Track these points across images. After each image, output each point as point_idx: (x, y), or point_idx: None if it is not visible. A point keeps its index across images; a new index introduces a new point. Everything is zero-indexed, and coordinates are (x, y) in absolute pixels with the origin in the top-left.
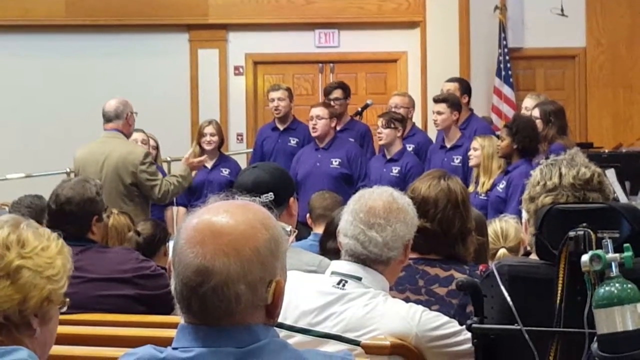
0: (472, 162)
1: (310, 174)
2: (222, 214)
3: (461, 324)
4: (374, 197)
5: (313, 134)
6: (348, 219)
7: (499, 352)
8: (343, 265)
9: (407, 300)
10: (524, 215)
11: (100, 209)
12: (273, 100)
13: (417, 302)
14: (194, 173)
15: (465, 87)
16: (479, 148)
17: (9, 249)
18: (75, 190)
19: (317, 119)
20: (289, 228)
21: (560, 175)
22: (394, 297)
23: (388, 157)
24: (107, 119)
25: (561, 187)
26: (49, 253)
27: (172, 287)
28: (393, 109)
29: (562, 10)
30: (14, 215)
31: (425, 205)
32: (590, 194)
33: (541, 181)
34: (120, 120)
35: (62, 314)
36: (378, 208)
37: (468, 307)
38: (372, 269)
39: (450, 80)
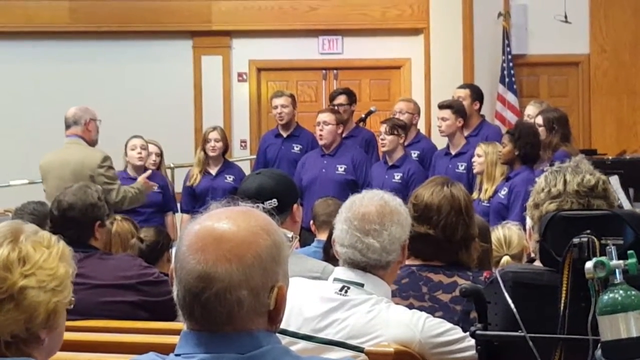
0: (476, 170)
1: (315, 180)
2: (223, 220)
3: (465, 331)
4: (366, 202)
5: (320, 142)
6: (343, 228)
7: (503, 359)
8: (345, 272)
9: (410, 306)
10: (528, 221)
11: (102, 214)
12: (276, 107)
13: (421, 308)
14: (198, 180)
15: (477, 93)
16: (483, 155)
17: (10, 270)
18: (77, 196)
19: (324, 125)
20: (290, 234)
21: (565, 182)
22: (397, 303)
23: (390, 163)
24: (67, 125)
25: (565, 194)
26: (51, 263)
27: (175, 294)
28: (398, 114)
29: (565, 17)
30: (12, 224)
31: (429, 212)
32: (595, 201)
33: (546, 188)
34: (79, 127)
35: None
36: (371, 213)
37: (472, 313)
38: (373, 274)
39: (462, 87)
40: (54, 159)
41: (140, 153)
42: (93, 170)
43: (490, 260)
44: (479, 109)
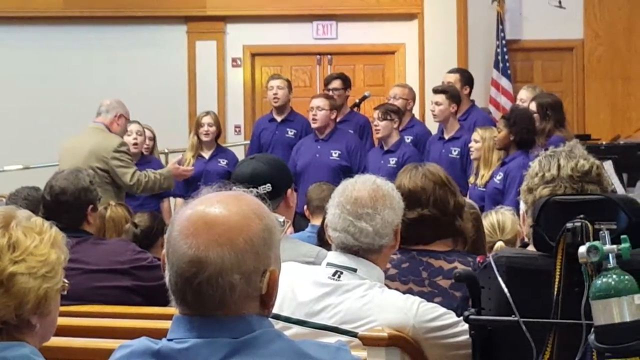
0: (473, 155)
1: (309, 165)
2: (215, 204)
3: None
4: (358, 187)
5: (313, 125)
6: (335, 212)
7: (496, 343)
8: (337, 257)
9: (410, 291)
10: (522, 206)
11: (94, 197)
12: (272, 88)
13: (421, 293)
14: (190, 164)
15: (467, 78)
16: (480, 140)
17: None
18: (69, 181)
19: (318, 110)
20: (282, 219)
21: (559, 166)
22: (397, 288)
23: (385, 148)
24: (97, 112)
25: (559, 179)
26: (42, 250)
27: (167, 279)
28: (392, 100)
29: (560, 2)
30: (4, 210)
31: (415, 195)
32: (589, 185)
33: (539, 172)
34: (109, 116)
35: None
36: (364, 198)
37: None
38: (366, 259)
39: (452, 71)
40: (74, 141)
41: (135, 139)
42: (108, 153)
43: (484, 246)
44: (469, 94)
